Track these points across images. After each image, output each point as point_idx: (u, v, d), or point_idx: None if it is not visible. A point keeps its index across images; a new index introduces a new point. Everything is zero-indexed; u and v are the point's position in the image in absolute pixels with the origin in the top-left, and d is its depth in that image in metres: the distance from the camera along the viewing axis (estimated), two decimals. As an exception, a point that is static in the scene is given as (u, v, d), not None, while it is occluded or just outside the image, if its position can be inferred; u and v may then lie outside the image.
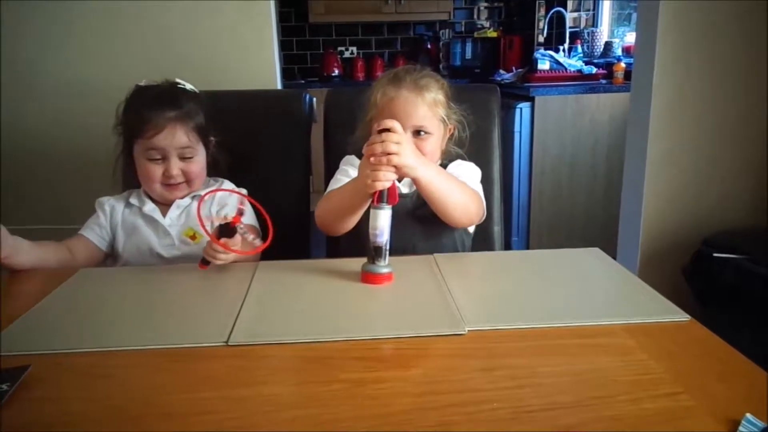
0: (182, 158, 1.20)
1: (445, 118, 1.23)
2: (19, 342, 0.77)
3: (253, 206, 1.13)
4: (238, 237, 1.00)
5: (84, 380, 0.69)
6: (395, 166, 0.99)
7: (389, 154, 0.97)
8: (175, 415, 0.61)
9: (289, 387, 0.69)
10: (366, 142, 1.11)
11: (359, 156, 1.26)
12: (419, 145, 1.18)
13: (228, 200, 1.25)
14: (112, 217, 1.24)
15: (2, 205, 1.97)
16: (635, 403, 0.61)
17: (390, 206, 0.97)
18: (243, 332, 0.78)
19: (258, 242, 1.05)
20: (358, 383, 0.67)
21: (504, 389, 0.65)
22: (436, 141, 1.22)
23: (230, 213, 1.16)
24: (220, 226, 1.00)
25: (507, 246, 1.43)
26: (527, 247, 3.02)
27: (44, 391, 0.66)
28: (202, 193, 1.20)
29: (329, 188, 1.23)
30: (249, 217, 1.20)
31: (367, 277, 0.97)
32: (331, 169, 1.34)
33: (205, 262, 1.03)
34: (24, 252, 1.06)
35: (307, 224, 1.48)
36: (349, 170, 1.25)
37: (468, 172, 1.28)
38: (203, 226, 1.00)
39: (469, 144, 1.30)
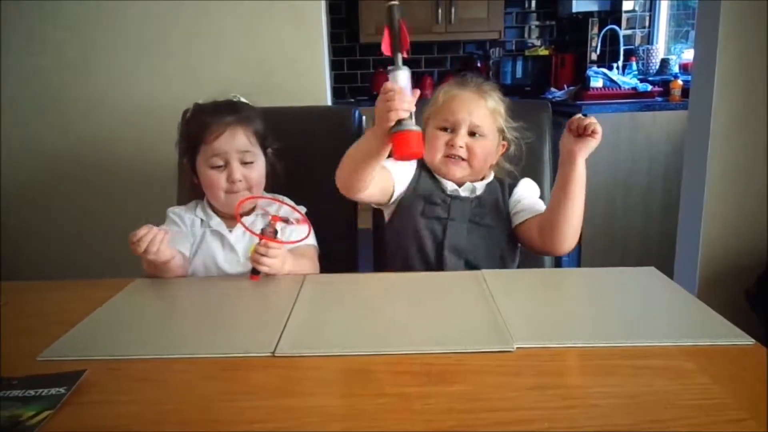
0: (243, 163, 1.23)
1: (504, 129, 1.24)
2: (75, 347, 0.80)
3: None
4: (280, 238, 1.06)
5: (136, 386, 0.71)
6: (596, 132, 1.07)
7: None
8: (224, 422, 0.62)
9: (336, 399, 0.69)
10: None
11: None
12: (472, 146, 1.20)
13: (291, 217, 1.25)
14: (192, 229, 1.24)
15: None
16: (698, 428, 0.58)
17: (406, 67, 0.96)
18: (289, 344, 0.78)
19: (297, 235, 1.13)
20: (405, 398, 0.66)
21: (556, 409, 0.62)
22: (489, 147, 1.22)
23: (295, 231, 1.19)
24: (263, 229, 1.06)
25: (557, 266, 1.40)
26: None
27: (98, 396, 0.68)
28: (267, 209, 1.23)
29: None
30: (310, 238, 1.22)
31: (399, 138, 0.93)
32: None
33: (255, 273, 1.05)
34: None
35: (354, 240, 1.48)
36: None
37: (537, 192, 1.28)
38: (245, 226, 1.09)
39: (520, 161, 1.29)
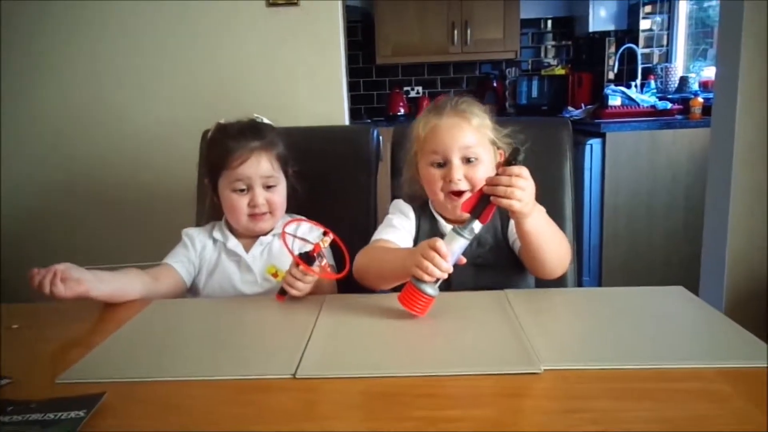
0: (266, 187, 1.23)
1: (496, 140, 1.19)
2: (95, 370, 0.79)
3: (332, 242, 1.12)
4: (317, 266, 1.02)
5: (155, 409, 0.69)
6: (512, 211, 0.95)
7: (511, 199, 0.92)
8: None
9: (359, 423, 0.66)
10: (412, 180, 1.11)
11: (408, 199, 1.24)
12: (470, 173, 1.13)
13: (309, 237, 1.24)
14: (202, 253, 1.25)
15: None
16: (738, 455, 0.56)
17: (472, 234, 0.93)
18: (310, 365, 0.77)
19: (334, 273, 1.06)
20: (430, 422, 0.64)
21: (587, 434, 0.60)
22: (487, 167, 1.14)
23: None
24: (301, 254, 1.02)
25: (578, 286, 1.36)
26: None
27: (117, 420, 0.67)
28: (283, 230, 1.21)
29: (375, 236, 1.19)
30: (329, 257, 1.20)
31: (412, 294, 0.91)
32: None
33: (282, 293, 1.04)
34: (100, 283, 1.03)
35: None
36: (393, 220, 1.20)
37: None
38: (287, 246, 1.03)
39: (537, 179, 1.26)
